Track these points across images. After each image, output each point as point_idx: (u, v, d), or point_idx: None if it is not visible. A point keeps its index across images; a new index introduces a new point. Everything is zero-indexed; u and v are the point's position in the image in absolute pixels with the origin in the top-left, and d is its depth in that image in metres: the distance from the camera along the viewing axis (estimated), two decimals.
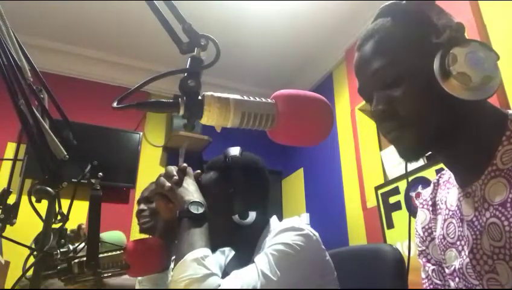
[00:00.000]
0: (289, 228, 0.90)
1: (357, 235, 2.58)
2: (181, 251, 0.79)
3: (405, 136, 0.65)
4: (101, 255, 0.73)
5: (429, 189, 0.81)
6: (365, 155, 2.63)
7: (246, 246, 1.00)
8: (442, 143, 0.66)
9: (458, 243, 0.67)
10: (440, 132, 0.64)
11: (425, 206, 0.80)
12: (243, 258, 1.02)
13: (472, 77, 0.56)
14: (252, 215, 0.98)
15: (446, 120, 0.63)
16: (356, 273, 1.11)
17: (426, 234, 0.79)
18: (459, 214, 0.67)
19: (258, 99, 0.56)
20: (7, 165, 2.63)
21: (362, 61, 0.69)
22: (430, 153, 0.69)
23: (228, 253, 1.17)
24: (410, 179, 2.04)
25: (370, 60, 0.67)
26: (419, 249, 0.81)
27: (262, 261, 0.81)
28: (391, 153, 2.32)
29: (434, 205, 0.78)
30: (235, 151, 1.04)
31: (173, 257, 0.87)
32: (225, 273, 1.09)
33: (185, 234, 0.82)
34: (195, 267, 0.76)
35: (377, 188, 2.42)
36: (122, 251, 0.78)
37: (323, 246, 0.93)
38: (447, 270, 0.71)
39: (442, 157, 0.70)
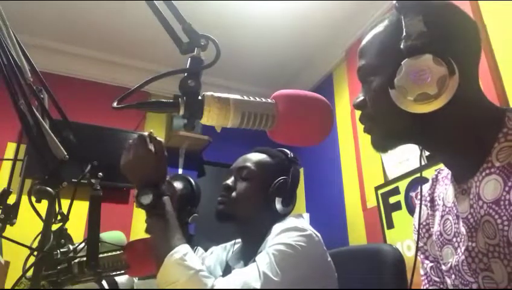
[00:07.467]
0: (292, 228, 0.90)
1: (357, 235, 2.58)
2: (159, 252, 0.77)
3: (375, 129, 0.70)
4: (101, 255, 0.73)
5: (428, 185, 0.81)
6: (365, 155, 2.63)
7: (255, 237, 1.00)
8: (418, 139, 0.68)
9: (454, 239, 0.67)
10: (409, 129, 0.66)
11: (424, 202, 0.79)
12: (247, 253, 1.02)
13: (408, 92, 0.58)
14: (290, 208, 1.04)
15: (412, 120, 0.63)
16: (356, 273, 1.11)
17: (424, 230, 0.79)
18: (455, 211, 0.67)
19: (258, 99, 0.56)
20: (7, 165, 2.62)
21: (358, 52, 0.73)
22: (429, 153, 0.71)
23: (230, 248, 1.18)
24: (410, 179, 2.04)
25: (359, 55, 0.72)
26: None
27: (264, 261, 0.81)
28: (391, 153, 2.32)
29: (432, 201, 0.77)
30: (287, 151, 1.14)
31: None
32: (228, 268, 1.09)
33: (158, 230, 0.80)
34: (179, 271, 0.74)
35: (377, 188, 2.42)
36: (122, 251, 0.78)
37: (325, 248, 0.93)
38: (443, 267, 0.71)
39: (437, 153, 0.70)
